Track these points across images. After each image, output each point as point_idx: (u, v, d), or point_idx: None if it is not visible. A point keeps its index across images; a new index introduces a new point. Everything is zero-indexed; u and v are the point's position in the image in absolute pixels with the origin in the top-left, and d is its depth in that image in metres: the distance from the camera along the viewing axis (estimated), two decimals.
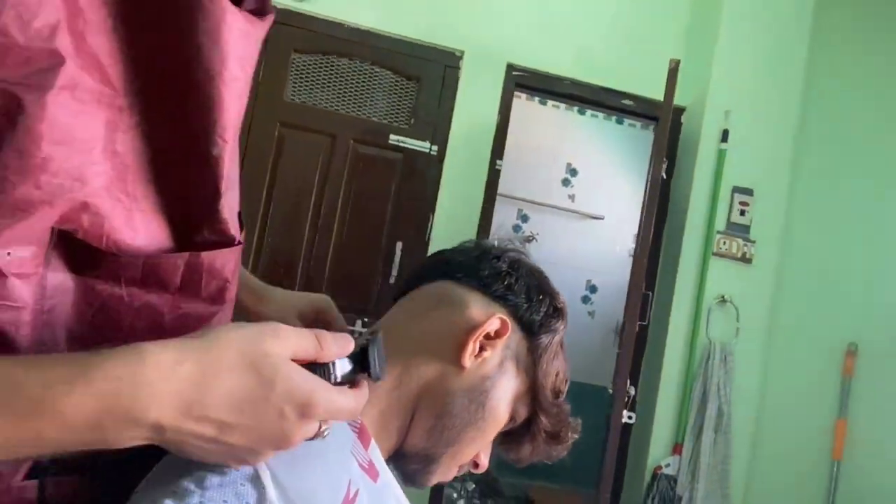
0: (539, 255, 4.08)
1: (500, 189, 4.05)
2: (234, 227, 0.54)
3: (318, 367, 0.47)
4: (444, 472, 0.72)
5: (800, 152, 2.91)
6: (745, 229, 2.82)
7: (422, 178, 2.73)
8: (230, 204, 0.53)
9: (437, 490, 2.71)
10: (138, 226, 0.47)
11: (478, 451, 0.73)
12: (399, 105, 2.76)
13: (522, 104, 3.94)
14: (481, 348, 0.69)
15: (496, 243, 0.80)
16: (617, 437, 2.25)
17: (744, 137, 2.82)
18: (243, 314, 0.82)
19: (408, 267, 2.70)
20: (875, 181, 2.88)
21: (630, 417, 2.33)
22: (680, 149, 2.96)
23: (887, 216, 2.82)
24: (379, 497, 0.59)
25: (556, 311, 0.75)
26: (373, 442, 0.63)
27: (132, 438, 0.41)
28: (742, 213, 2.82)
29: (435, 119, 2.76)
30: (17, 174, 0.39)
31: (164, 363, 0.41)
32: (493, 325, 0.68)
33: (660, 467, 2.71)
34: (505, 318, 0.69)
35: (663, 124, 2.33)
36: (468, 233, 2.78)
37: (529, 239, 4.18)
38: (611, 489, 2.36)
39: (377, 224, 2.68)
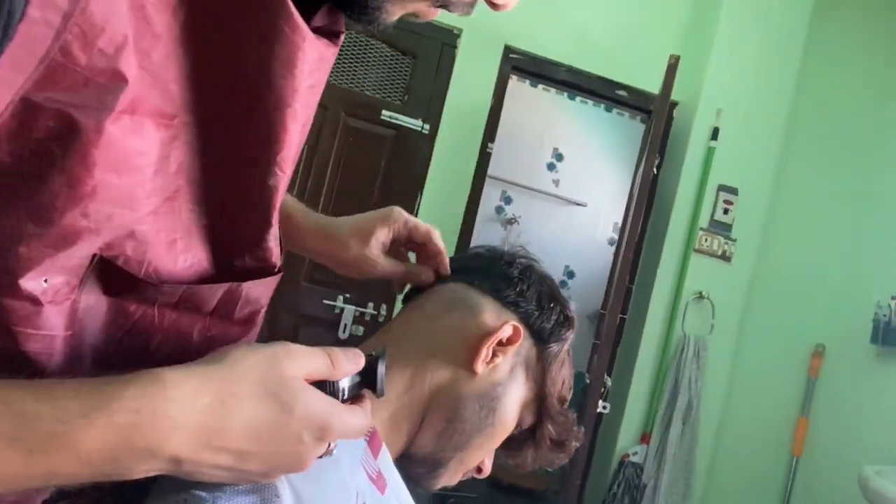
0: (520, 237, 4.10)
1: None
2: (276, 255, 0.53)
3: (327, 385, 0.47)
4: (450, 477, 0.72)
5: (787, 155, 2.95)
6: (727, 227, 2.86)
7: (412, 156, 2.70)
8: (275, 232, 0.52)
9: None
10: (180, 252, 0.45)
11: (484, 456, 0.74)
12: (393, 80, 2.71)
13: (513, 85, 3.91)
14: (493, 354, 0.69)
15: (507, 248, 0.80)
16: (591, 427, 2.29)
17: (733, 137, 2.84)
18: (309, 255, 0.78)
19: None
20: (856, 189, 2.94)
21: (605, 408, 2.37)
22: (670, 143, 2.98)
23: (864, 224, 2.88)
24: None
25: (566, 320, 0.76)
26: (384, 448, 0.63)
27: (147, 471, 0.39)
28: (726, 211, 2.86)
29: (429, 97, 2.72)
30: (66, 202, 0.36)
31: (183, 394, 0.39)
32: (505, 332, 0.68)
33: (627, 455, 2.78)
34: (518, 325, 0.70)
35: (658, 120, 2.33)
36: (455, 213, 2.77)
37: (511, 221, 4.19)
38: (581, 475, 2.41)
39: (365, 199, 2.66)
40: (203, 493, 0.45)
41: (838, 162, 2.98)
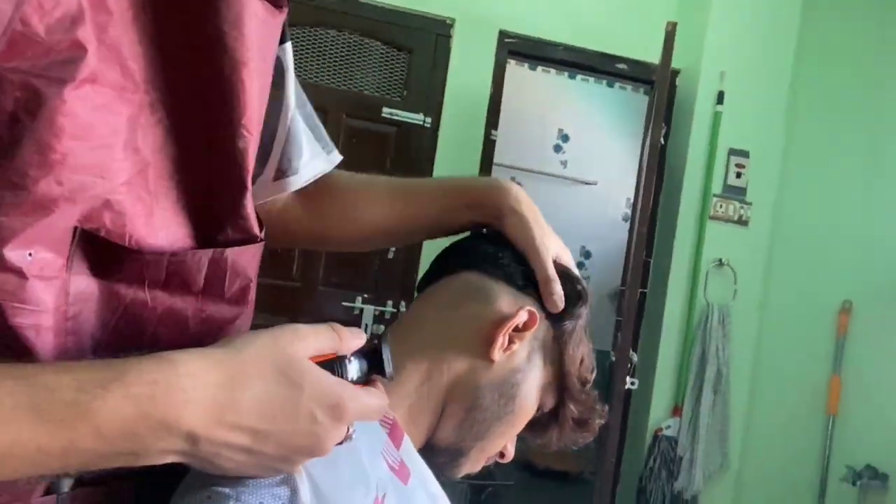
0: None
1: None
2: (255, 223, 0.53)
3: (336, 368, 0.47)
4: (473, 465, 0.72)
5: (795, 113, 2.90)
6: (741, 192, 2.83)
7: (416, 151, 2.70)
8: (251, 198, 0.52)
9: None
10: (158, 225, 0.46)
11: (505, 442, 0.73)
12: (391, 77, 2.71)
13: (512, 69, 3.89)
14: (510, 341, 0.68)
15: None
16: (620, 404, 2.28)
17: (739, 99, 2.80)
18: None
19: None
20: (869, 139, 2.89)
21: (632, 384, 2.36)
22: (675, 112, 2.95)
23: (882, 174, 2.83)
24: (408, 501, 0.58)
25: (579, 296, 0.75)
26: (406, 439, 0.62)
27: (164, 451, 0.39)
28: (738, 175, 2.82)
29: (428, 90, 2.71)
30: (38, 169, 0.38)
31: (194, 371, 0.40)
32: (521, 318, 0.68)
33: (660, 429, 2.76)
34: (533, 309, 0.69)
35: (661, 89, 2.30)
36: None
37: None
38: (615, 453, 2.40)
39: None
40: (226, 490, 0.45)
41: (847, 115, 2.93)
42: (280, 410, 0.42)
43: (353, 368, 0.48)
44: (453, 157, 2.75)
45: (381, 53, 2.69)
